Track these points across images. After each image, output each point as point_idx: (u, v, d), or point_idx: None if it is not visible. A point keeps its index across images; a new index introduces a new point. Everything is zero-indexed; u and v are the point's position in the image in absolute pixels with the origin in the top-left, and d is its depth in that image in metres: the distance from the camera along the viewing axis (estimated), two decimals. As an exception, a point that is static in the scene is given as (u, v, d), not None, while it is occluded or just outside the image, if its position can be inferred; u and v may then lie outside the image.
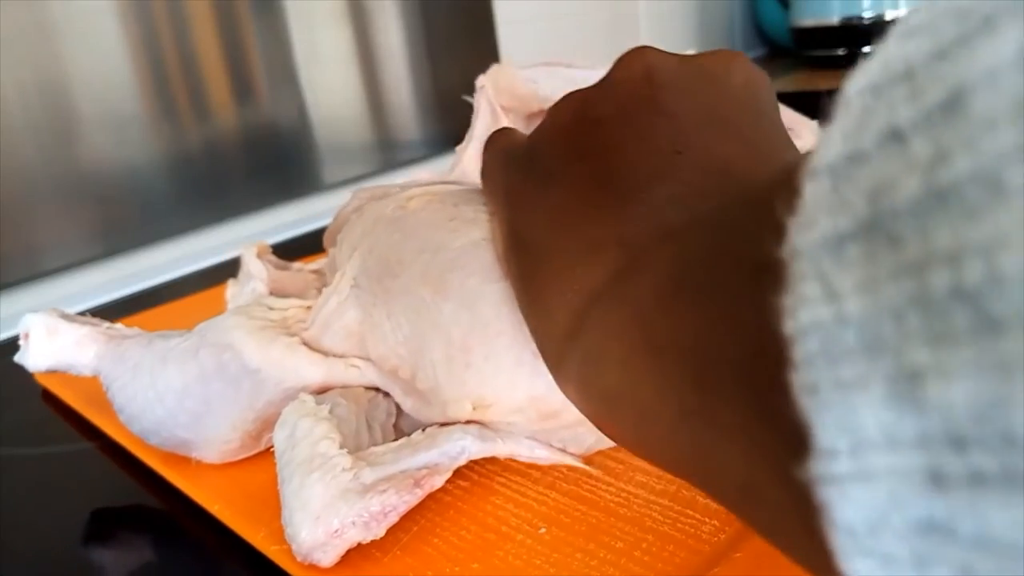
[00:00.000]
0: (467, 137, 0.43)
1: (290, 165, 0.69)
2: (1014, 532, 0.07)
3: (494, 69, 0.41)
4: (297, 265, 0.40)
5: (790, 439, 0.09)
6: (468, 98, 0.40)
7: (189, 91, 0.61)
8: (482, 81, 0.41)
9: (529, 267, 0.20)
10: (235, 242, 0.66)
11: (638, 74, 0.20)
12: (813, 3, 1.02)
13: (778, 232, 0.10)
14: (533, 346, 0.25)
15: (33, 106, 0.54)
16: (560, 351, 0.18)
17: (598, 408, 0.17)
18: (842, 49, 1.02)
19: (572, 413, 0.25)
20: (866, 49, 0.99)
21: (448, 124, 0.79)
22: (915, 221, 0.08)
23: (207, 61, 0.62)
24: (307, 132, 0.69)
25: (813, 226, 0.09)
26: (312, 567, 0.24)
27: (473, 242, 0.26)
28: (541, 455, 0.26)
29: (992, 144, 0.07)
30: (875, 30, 0.99)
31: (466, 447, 0.26)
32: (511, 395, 0.25)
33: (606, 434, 0.18)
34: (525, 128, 0.42)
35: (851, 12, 0.99)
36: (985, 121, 0.07)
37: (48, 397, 0.40)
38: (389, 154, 0.76)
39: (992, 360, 0.07)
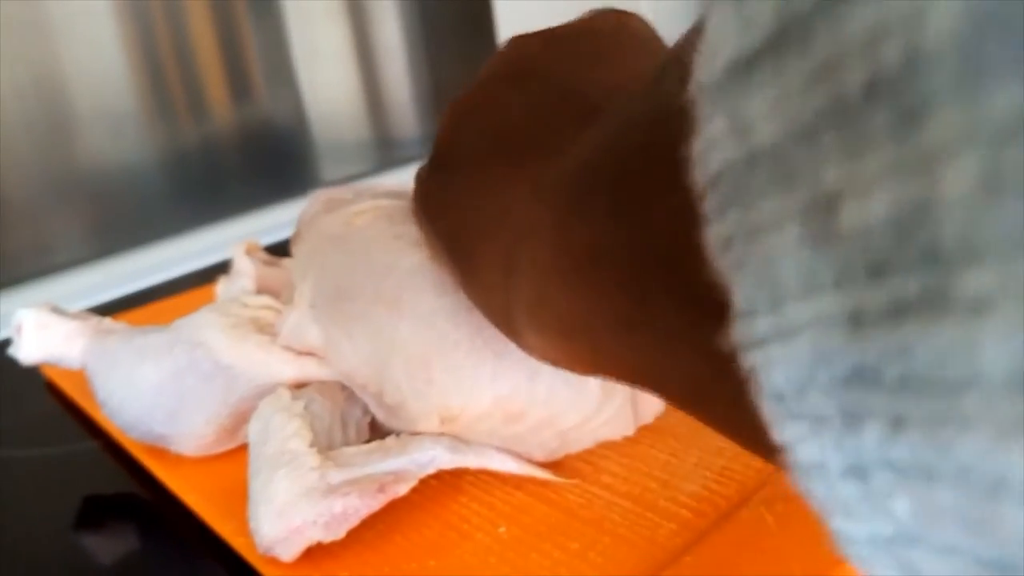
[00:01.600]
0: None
1: (288, 163, 0.69)
2: (939, 366, 0.06)
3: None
4: (287, 262, 0.40)
5: (715, 312, 0.09)
6: None
7: (186, 89, 0.61)
8: None
9: (460, 255, 0.21)
10: (232, 241, 0.63)
11: (509, 54, 0.21)
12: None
13: (682, 81, 0.09)
14: (492, 349, 0.25)
15: (29, 104, 0.54)
16: (507, 311, 0.18)
17: (559, 349, 0.17)
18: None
19: (537, 413, 0.26)
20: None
21: (446, 123, 0.79)
22: (825, 13, 0.07)
23: (204, 59, 0.62)
24: (305, 130, 0.69)
25: (717, 54, 0.08)
26: (273, 560, 0.24)
27: (422, 261, 0.26)
28: (511, 467, 0.27)
29: None
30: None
31: (436, 457, 0.26)
32: (476, 401, 0.25)
33: (578, 372, 0.18)
34: None
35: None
36: None
37: (50, 392, 0.41)
38: (387, 152, 0.76)
39: (911, 156, 0.06)
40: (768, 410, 0.08)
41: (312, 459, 0.25)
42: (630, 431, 0.27)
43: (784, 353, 0.08)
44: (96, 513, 0.32)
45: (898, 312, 0.06)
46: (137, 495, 0.32)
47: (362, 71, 0.72)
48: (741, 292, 0.08)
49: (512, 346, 0.25)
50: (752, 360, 0.08)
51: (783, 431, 0.08)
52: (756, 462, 0.26)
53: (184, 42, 0.61)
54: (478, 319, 0.25)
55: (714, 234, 0.08)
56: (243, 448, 0.31)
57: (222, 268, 0.40)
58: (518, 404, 0.25)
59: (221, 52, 0.63)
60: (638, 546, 0.23)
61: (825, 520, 0.08)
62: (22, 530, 0.31)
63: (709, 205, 0.08)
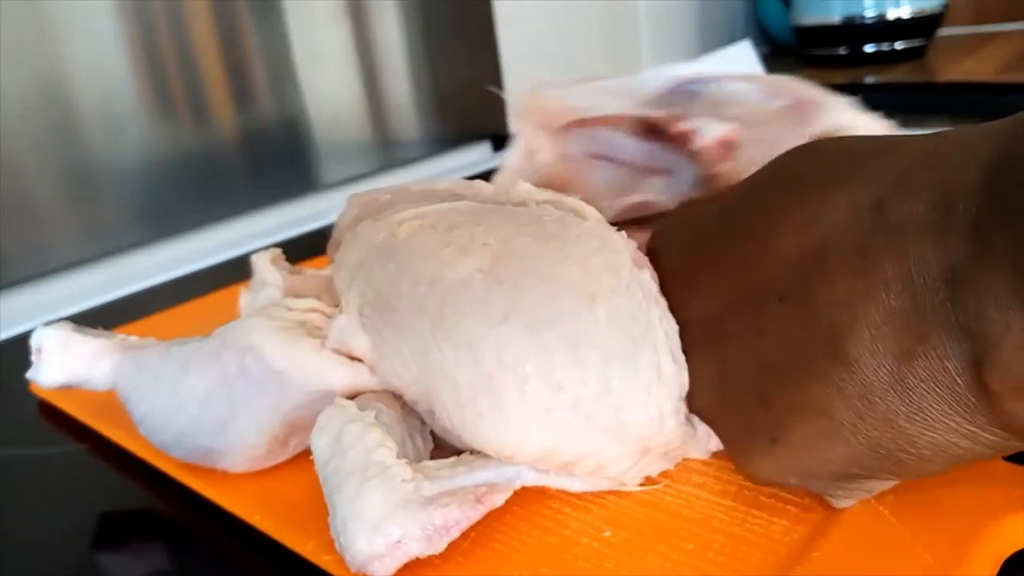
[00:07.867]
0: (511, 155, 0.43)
1: (289, 164, 0.68)
2: None
3: (527, 93, 0.41)
4: (310, 271, 0.39)
5: None
6: (493, 89, 0.40)
7: (188, 90, 0.61)
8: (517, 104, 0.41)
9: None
10: (235, 242, 0.65)
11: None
12: (815, 2, 1.02)
13: None
14: (541, 401, 0.24)
15: (32, 106, 0.53)
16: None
17: None
18: (844, 48, 1.02)
19: (587, 463, 0.25)
20: (868, 48, 1.00)
21: (447, 124, 0.79)
22: None
23: (206, 60, 0.61)
24: (306, 131, 0.69)
25: None
26: (368, 578, 0.22)
27: (466, 277, 0.25)
28: (599, 485, 0.26)
29: None
30: (877, 29, 0.99)
31: (521, 472, 0.25)
32: (524, 448, 0.24)
33: None
34: (558, 141, 0.42)
35: (853, 11, 0.99)
36: None
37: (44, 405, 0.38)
38: (388, 153, 0.75)
39: None
40: None
41: (404, 471, 0.23)
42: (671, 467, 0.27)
43: None
44: (112, 531, 0.29)
45: None
46: (151, 509, 0.29)
47: (363, 73, 0.72)
48: None
49: (561, 401, 0.24)
50: None
51: None
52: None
53: (186, 44, 0.60)
54: (524, 364, 0.24)
55: None
56: (288, 463, 0.29)
57: (224, 269, 0.39)
58: (567, 455, 0.24)
59: (223, 54, 0.62)
60: (756, 544, 0.22)
61: None
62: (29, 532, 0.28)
63: None
